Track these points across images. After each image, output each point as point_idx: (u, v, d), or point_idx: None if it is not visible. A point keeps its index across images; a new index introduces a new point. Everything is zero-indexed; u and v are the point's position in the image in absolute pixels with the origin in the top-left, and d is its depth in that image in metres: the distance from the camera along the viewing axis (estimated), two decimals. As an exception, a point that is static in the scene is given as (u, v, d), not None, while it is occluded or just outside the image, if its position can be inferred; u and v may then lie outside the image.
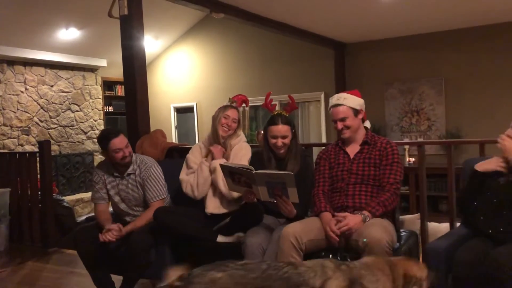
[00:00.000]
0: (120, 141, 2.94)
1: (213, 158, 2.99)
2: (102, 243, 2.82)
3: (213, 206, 2.95)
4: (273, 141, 2.81)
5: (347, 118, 2.65)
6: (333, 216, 2.48)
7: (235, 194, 2.85)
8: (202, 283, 1.71)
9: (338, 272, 1.79)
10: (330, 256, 2.37)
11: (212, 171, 2.94)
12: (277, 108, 3.07)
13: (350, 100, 2.67)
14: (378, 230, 2.28)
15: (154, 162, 3.14)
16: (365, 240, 2.23)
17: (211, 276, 1.72)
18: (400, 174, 2.59)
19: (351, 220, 2.37)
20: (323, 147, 2.93)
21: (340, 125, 2.67)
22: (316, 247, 2.44)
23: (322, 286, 1.74)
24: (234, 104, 3.14)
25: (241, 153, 3.01)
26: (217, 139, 3.05)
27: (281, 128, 2.79)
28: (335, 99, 2.72)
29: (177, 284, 1.73)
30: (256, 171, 2.47)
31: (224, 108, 3.09)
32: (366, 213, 2.42)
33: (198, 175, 2.97)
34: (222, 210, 2.93)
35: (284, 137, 2.80)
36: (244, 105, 3.27)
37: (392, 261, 1.94)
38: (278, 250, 2.42)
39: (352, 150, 2.71)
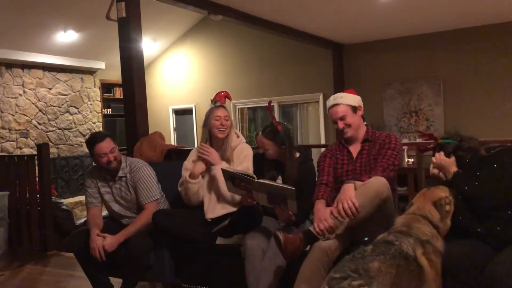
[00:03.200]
0: (104, 146, 2.89)
1: (207, 163, 2.97)
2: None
3: (212, 211, 2.93)
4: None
5: (347, 116, 2.64)
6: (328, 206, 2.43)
7: (237, 197, 2.85)
8: (379, 274, 1.76)
9: (414, 240, 1.96)
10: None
11: (213, 178, 2.91)
12: (273, 110, 3.08)
13: (346, 98, 2.68)
14: (382, 182, 2.31)
15: (144, 164, 3.10)
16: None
17: (374, 267, 1.77)
18: (394, 159, 2.53)
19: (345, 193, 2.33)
20: (326, 146, 2.93)
21: (341, 124, 2.64)
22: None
23: (414, 254, 1.91)
24: (218, 104, 3.08)
25: (242, 155, 2.99)
26: (215, 144, 3.03)
27: (262, 140, 2.87)
28: (331, 100, 2.72)
29: (359, 283, 1.72)
30: (258, 180, 2.46)
31: (211, 111, 3.03)
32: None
33: (186, 191, 2.96)
34: (222, 212, 2.92)
35: (265, 148, 2.86)
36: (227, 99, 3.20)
37: (417, 207, 2.12)
38: (308, 256, 2.33)
39: (355, 149, 2.70)
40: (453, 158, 2.37)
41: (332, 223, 2.28)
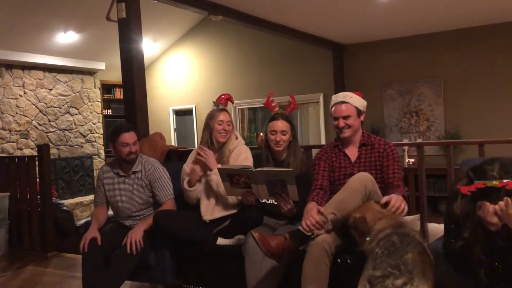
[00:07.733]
0: (129, 137, 2.98)
1: (204, 167, 2.97)
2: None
3: (211, 214, 2.93)
4: (272, 137, 2.82)
5: (350, 117, 2.64)
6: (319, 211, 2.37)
7: (235, 199, 2.85)
8: (415, 265, 1.79)
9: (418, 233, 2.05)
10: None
11: (214, 184, 2.89)
12: (277, 109, 3.06)
13: (355, 99, 2.68)
14: (366, 176, 2.33)
15: (158, 163, 3.17)
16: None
17: (410, 259, 1.80)
18: (401, 171, 2.61)
19: (397, 200, 2.22)
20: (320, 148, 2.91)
21: (342, 123, 2.63)
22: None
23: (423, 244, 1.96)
24: (221, 107, 3.08)
25: (241, 157, 2.98)
26: (214, 146, 3.03)
27: (281, 124, 2.82)
28: (340, 96, 2.70)
29: (402, 281, 1.74)
30: (256, 169, 2.47)
31: (214, 114, 3.02)
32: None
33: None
34: (219, 214, 2.92)
35: (283, 132, 2.81)
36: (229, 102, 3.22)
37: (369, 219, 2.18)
38: (307, 256, 2.30)
39: (352, 153, 2.70)
40: None
41: (319, 219, 2.28)
